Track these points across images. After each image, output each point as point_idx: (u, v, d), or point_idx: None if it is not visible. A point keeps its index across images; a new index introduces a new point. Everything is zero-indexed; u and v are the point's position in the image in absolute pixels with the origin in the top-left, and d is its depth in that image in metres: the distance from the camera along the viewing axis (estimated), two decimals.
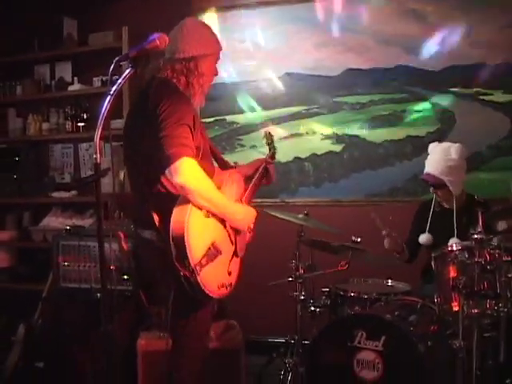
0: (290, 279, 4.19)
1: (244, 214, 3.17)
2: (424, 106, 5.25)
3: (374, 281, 4.34)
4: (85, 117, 5.93)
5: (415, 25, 5.18)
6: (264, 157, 3.80)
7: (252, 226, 3.27)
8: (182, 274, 2.77)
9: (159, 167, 2.81)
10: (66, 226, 5.17)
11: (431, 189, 4.33)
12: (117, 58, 2.39)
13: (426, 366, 3.41)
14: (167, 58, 3.08)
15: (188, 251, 2.75)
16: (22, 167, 6.10)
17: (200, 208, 2.88)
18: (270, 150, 3.87)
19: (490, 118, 5.07)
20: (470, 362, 3.37)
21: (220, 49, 3.27)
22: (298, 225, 4.23)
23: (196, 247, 2.81)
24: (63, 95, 6.08)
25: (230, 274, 3.09)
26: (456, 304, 3.45)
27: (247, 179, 3.50)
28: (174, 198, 2.85)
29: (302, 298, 4.14)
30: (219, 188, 3.06)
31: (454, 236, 4.00)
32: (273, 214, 4.22)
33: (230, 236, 3.12)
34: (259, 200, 5.41)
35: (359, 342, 3.56)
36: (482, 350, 3.40)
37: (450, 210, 4.26)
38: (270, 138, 3.92)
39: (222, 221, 3.05)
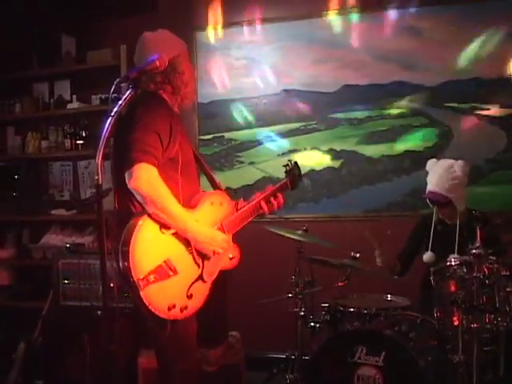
0: (290, 295, 4.20)
1: (209, 237, 3.00)
2: (421, 121, 5.27)
3: (374, 296, 4.33)
4: (83, 135, 5.94)
5: (412, 41, 5.21)
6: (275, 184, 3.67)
7: (220, 252, 3.05)
8: (129, 288, 2.72)
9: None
10: (66, 243, 5.18)
11: (435, 207, 4.33)
12: (117, 80, 2.40)
13: (426, 381, 3.42)
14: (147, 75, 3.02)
15: (131, 265, 2.68)
16: (21, 185, 6.10)
17: (159, 221, 2.81)
18: (286, 177, 3.75)
19: (487, 133, 5.10)
20: (469, 377, 3.38)
21: (185, 45, 3.26)
22: (297, 240, 4.24)
23: (142, 261, 2.73)
24: (62, 113, 6.08)
25: (190, 297, 2.93)
26: (455, 318, 3.47)
27: (241, 206, 3.35)
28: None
29: (302, 313, 4.15)
30: (193, 207, 3.01)
31: (454, 249, 4.01)
32: (272, 230, 4.24)
33: (194, 257, 2.97)
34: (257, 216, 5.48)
35: (359, 358, 3.58)
36: (481, 364, 3.40)
37: (451, 225, 4.29)
38: (288, 168, 3.79)
39: (186, 241, 2.93)
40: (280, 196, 3.58)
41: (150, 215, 2.79)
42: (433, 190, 4.26)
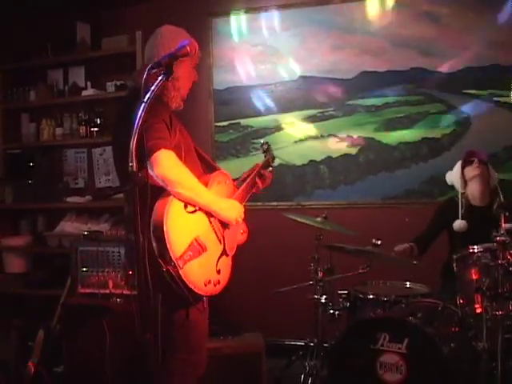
0: (311, 282, 4.21)
1: (230, 206, 3.13)
2: (439, 108, 5.25)
3: (392, 283, 4.33)
4: (98, 122, 5.92)
5: (430, 27, 5.19)
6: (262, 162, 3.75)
7: (241, 220, 3.21)
8: (164, 269, 2.73)
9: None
10: (83, 231, 5.17)
11: (475, 161, 4.34)
12: (149, 66, 2.39)
13: (450, 368, 3.42)
14: (144, 66, 3.02)
15: (168, 244, 2.73)
16: (36, 172, 6.12)
17: (183, 201, 2.88)
18: (265, 157, 3.85)
19: (506, 120, 5.07)
20: (493, 363, 3.38)
21: (195, 52, 3.17)
22: (315, 228, 4.23)
23: (177, 241, 2.79)
24: (76, 100, 6.06)
25: (218, 272, 3.04)
26: (479, 306, 3.47)
27: (239, 183, 3.49)
28: (156, 194, 2.83)
29: (323, 301, 4.15)
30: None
31: (480, 233, 3.97)
32: (292, 217, 4.24)
33: (216, 234, 3.08)
34: (275, 203, 5.49)
35: (382, 345, 3.57)
36: (504, 352, 3.40)
37: (476, 207, 4.35)
38: (264, 148, 3.91)
39: (207, 218, 3.03)
40: (268, 172, 3.70)
41: (173, 196, 2.85)
42: (472, 149, 4.37)
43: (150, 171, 2.78)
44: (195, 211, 2.96)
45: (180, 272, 2.76)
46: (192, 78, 3.28)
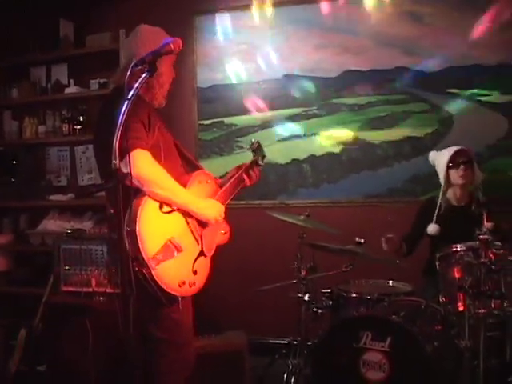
0: (294, 281, 4.21)
1: (208, 206, 3.13)
2: (422, 107, 5.26)
3: (375, 281, 4.34)
4: (81, 119, 5.90)
5: (413, 26, 5.20)
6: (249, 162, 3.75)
7: (220, 219, 3.21)
8: (137, 269, 2.72)
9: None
10: (65, 229, 5.15)
11: (462, 166, 4.31)
12: (133, 63, 2.39)
13: (433, 366, 3.43)
14: (125, 64, 3.09)
15: (140, 244, 2.73)
16: (19, 170, 6.08)
17: (160, 201, 2.88)
18: (253, 156, 3.82)
19: (488, 119, 5.09)
20: (474, 361, 3.40)
21: (179, 50, 3.20)
22: (298, 226, 4.23)
23: (150, 241, 2.78)
24: (59, 98, 6.04)
25: (195, 273, 3.04)
26: (461, 304, 3.48)
27: (224, 181, 3.51)
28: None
29: (307, 299, 4.15)
30: (183, 187, 3.06)
31: (460, 232, 3.99)
32: (275, 215, 4.24)
33: (193, 234, 3.07)
34: (258, 202, 5.50)
35: (365, 343, 3.58)
36: (487, 350, 3.42)
37: (457, 207, 4.38)
38: (254, 147, 3.87)
39: (184, 218, 3.03)
40: (256, 170, 3.71)
41: (148, 195, 2.85)
42: (461, 148, 4.33)
43: (124, 170, 2.72)
44: (171, 211, 2.96)
45: (152, 273, 2.76)
46: (172, 74, 3.28)
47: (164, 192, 2.87)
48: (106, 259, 4.44)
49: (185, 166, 3.37)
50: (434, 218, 4.29)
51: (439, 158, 4.41)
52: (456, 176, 4.32)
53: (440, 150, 4.51)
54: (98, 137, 3.20)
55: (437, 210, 4.33)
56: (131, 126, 2.78)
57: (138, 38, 3.17)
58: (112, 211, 3.00)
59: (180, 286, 2.91)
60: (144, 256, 2.73)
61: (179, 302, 3.01)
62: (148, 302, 2.86)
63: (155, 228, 2.85)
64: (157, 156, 2.94)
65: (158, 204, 2.88)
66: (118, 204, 2.20)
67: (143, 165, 2.80)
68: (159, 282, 2.79)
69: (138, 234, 2.73)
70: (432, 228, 4.25)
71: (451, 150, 4.35)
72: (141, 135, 2.85)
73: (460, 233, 3.77)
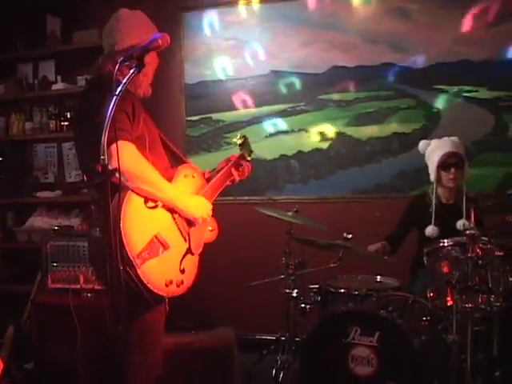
0: (282, 277, 4.21)
1: (196, 204, 3.01)
2: (409, 103, 5.28)
3: (363, 277, 4.35)
4: (68, 116, 5.87)
5: (401, 23, 5.22)
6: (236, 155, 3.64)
7: (208, 218, 3.08)
8: (121, 267, 2.48)
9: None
10: (53, 226, 5.13)
11: (452, 170, 4.30)
12: (121, 59, 2.36)
13: (421, 361, 3.45)
14: (106, 53, 3.00)
15: (125, 241, 2.58)
16: (6, 167, 6.06)
17: (144, 196, 2.75)
18: (240, 150, 3.71)
19: (475, 115, 5.12)
20: (461, 355, 3.43)
21: (167, 45, 3.12)
22: (286, 222, 4.23)
23: (134, 238, 2.64)
24: (46, 94, 6.03)
25: (182, 271, 2.89)
26: (449, 299, 3.50)
27: (212, 175, 3.38)
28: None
29: (295, 295, 4.15)
30: (168, 181, 2.94)
31: (451, 229, 4.01)
32: (263, 211, 4.23)
33: (180, 231, 2.94)
34: (246, 197, 5.50)
35: (353, 338, 3.59)
36: (474, 344, 3.44)
37: (447, 204, 4.39)
38: (240, 142, 3.77)
39: (171, 214, 2.89)
40: (246, 165, 3.61)
41: (132, 190, 2.72)
42: (452, 151, 4.30)
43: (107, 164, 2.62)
44: (156, 206, 2.82)
45: (138, 271, 2.62)
46: (156, 62, 3.16)
47: (148, 187, 2.74)
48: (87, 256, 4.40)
49: (170, 159, 3.25)
50: (432, 220, 4.28)
51: (430, 153, 4.40)
52: (447, 179, 4.32)
53: None
54: (77, 133, 3.07)
55: (433, 212, 4.31)
56: (114, 117, 2.65)
57: (120, 25, 3.01)
58: (93, 207, 2.98)
59: (167, 285, 2.77)
60: (129, 253, 2.60)
61: (166, 302, 2.92)
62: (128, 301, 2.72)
63: (140, 224, 2.71)
64: (141, 148, 2.83)
65: (142, 199, 2.75)
66: (107, 200, 2.17)
67: (127, 158, 2.63)
68: (145, 281, 2.64)
69: (122, 230, 2.58)
70: (431, 230, 4.25)
71: (442, 147, 4.34)
72: (124, 126, 2.72)
73: (449, 229, 3.81)
